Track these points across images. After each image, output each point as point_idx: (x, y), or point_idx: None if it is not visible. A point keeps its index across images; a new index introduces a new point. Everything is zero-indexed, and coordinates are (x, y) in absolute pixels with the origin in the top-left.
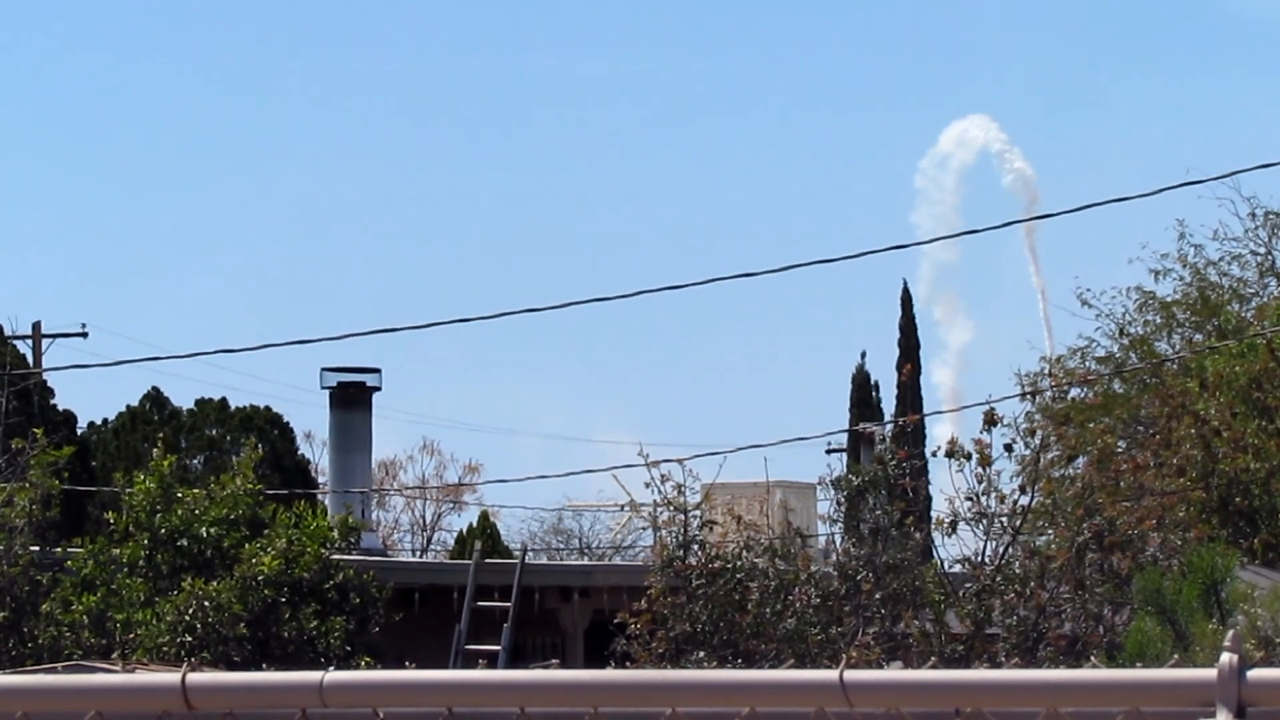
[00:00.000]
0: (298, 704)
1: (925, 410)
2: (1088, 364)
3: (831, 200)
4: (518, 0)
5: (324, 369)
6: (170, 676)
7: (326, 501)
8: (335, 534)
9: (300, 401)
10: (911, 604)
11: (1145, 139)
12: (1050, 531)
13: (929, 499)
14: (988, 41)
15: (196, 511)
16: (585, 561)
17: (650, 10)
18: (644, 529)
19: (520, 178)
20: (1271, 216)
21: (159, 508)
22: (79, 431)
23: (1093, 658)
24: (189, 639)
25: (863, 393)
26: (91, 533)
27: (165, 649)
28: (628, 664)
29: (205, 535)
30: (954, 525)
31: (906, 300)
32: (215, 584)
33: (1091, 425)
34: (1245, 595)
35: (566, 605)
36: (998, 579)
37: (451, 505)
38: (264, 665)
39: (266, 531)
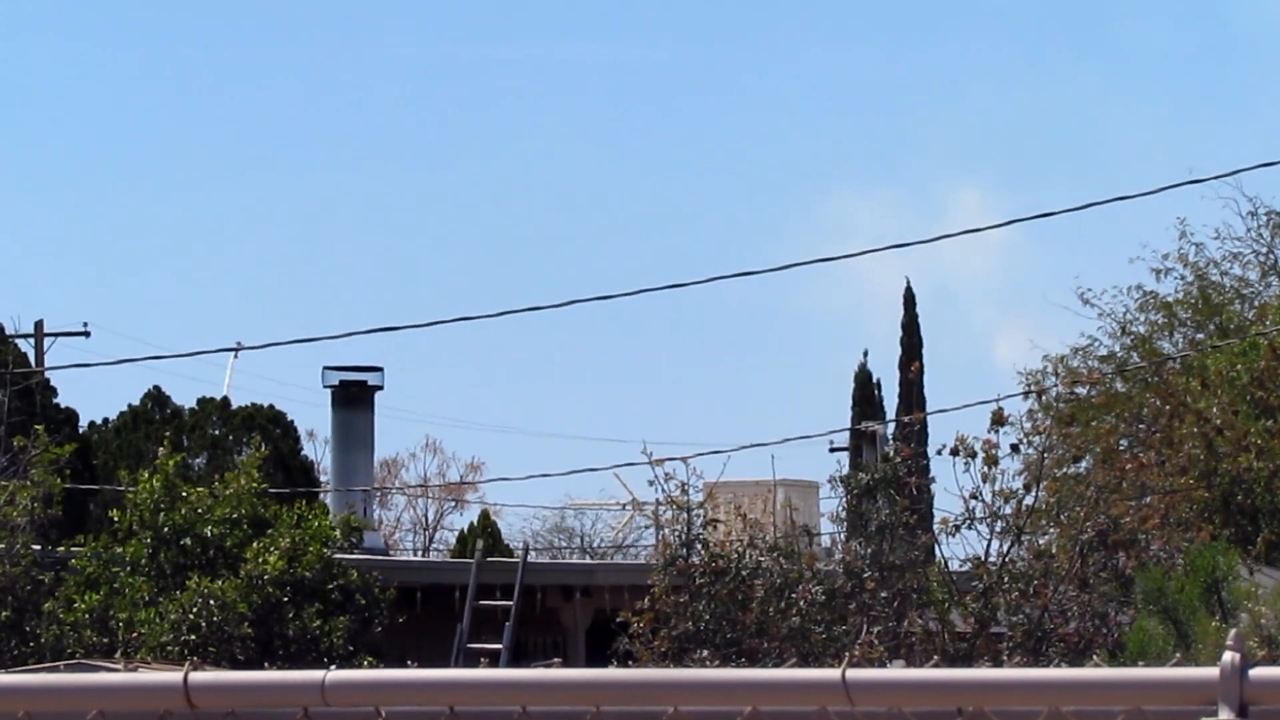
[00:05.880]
0: (300, 703)
1: (928, 408)
2: (1089, 363)
3: (831, 198)
4: None
5: (326, 367)
6: (172, 675)
7: (328, 500)
8: (338, 533)
9: (302, 400)
10: (916, 603)
11: (1145, 138)
12: (1054, 530)
13: (932, 497)
14: (982, 38)
15: (200, 510)
16: (587, 560)
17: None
18: (646, 527)
19: (521, 176)
20: (1273, 216)
21: (163, 506)
22: (80, 430)
23: (1095, 656)
24: (192, 638)
25: (865, 391)
26: (94, 531)
27: (168, 648)
28: (630, 663)
29: (209, 534)
30: (959, 526)
31: (909, 298)
32: (221, 583)
33: (1095, 424)
34: (1248, 594)
35: (568, 604)
36: (1003, 578)
37: (453, 504)
38: (266, 664)
39: (270, 531)
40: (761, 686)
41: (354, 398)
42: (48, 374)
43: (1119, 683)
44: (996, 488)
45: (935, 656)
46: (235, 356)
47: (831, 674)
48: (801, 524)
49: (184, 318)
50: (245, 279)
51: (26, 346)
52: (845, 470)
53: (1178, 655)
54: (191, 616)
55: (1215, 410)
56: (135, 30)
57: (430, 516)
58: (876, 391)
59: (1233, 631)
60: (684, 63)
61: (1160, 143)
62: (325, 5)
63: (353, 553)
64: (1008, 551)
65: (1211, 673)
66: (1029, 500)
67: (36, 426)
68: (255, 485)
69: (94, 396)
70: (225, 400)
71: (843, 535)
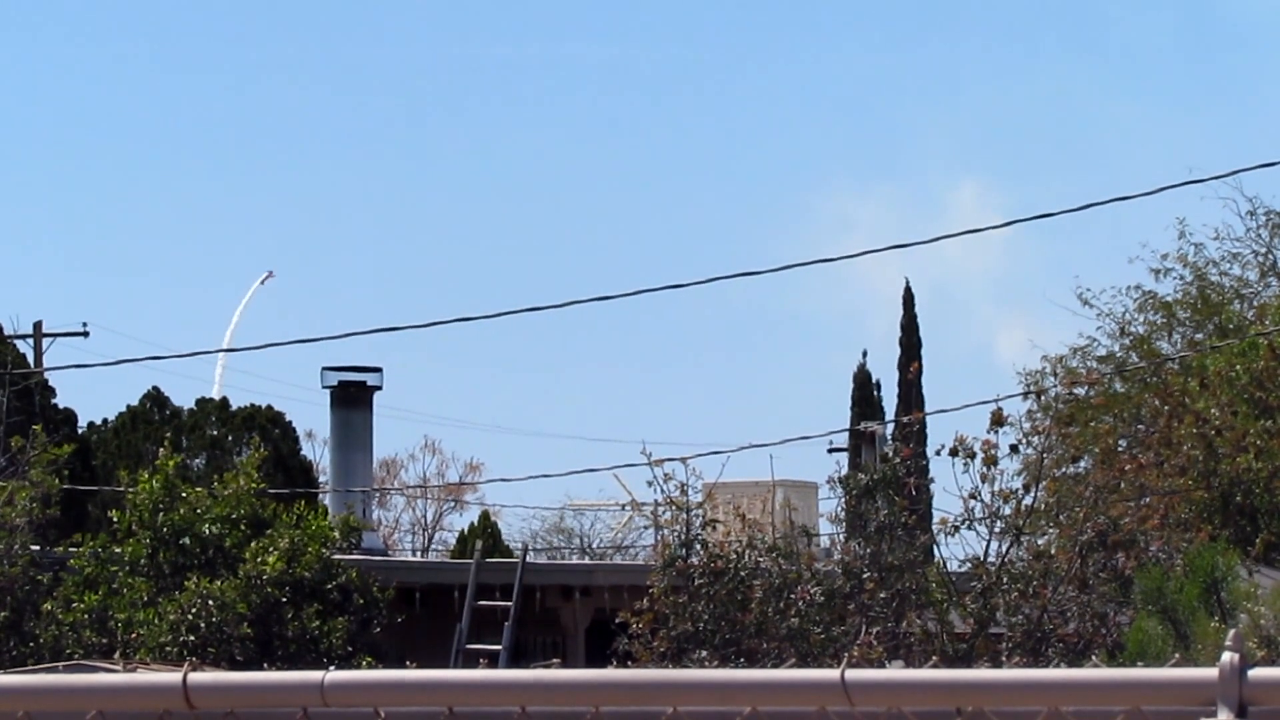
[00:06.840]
0: (299, 703)
1: (928, 408)
2: (1088, 364)
3: (830, 197)
4: None
5: (325, 368)
6: (172, 676)
7: (327, 501)
8: (336, 534)
9: (301, 401)
10: (915, 603)
11: (1144, 135)
12: (1053, 531)
13: (931, 498)
14: (979, 35)
15: (199, 511)
16: (586, 561)
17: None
18: (645, 528)
19: (521, 176)
20: (1273, 216)
21: (162, 507)
22: (80, 430)
23: (1094, 657)
24: (191, 638)
25: (864, 391)
26: (93, 531)
27: (167, 648)
28: (629, 663)
29: (208, 535)
30: (958, 526)
31: (908, 298)
32: (220, 583)
33: (1094, 425)
34: (1247, 594)
35: (568, 604)
36: (1002, 578)
37: (452, 504)
38: (265, 665)
39: (269, 531)
40: (761, 687)
41: (353, 398)
42: (47, 374)
43: (1118, 683)
44: (995, 488)
45: (934, 657)
46: (263, 283)
47: (830, 674)
48: (800, 525)
49: (183, 318)
50: (245, 279)
51: (25, 347)
52: (844, 471)
53: (1177, 655)
54: (190, 617)
55: (1214, 411)
56: (136, 31)
57: (429, 517)
58: (876, 392)
59: (1232, 632)
60: (684, 63)
61: (1159, 140)
62: (324, 5)
63: (351, 553)
64: (1007, 552)
65: (1210, 673)
66: (1028, 500)
67: (34, 427)
68: (254, 485)
69: (93, 397)
70: (224, 400)
71: (842, 536)
